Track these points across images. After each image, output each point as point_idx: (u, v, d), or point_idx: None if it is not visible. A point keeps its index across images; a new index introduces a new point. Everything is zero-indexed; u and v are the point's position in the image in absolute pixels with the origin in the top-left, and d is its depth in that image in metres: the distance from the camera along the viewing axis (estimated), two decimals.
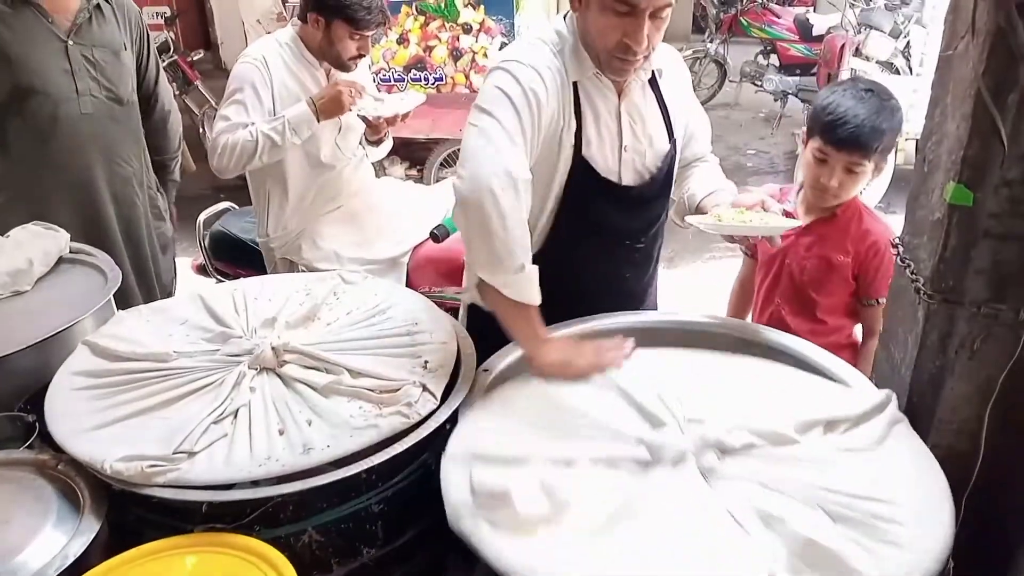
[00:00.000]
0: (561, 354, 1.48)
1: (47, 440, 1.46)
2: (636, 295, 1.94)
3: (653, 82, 1.78)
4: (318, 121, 2.46)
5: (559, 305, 1.59)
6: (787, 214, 1.98)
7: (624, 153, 1.75)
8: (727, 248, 5.02)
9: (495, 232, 1.44)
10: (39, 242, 2.05)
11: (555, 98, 1.64)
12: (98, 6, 2.50)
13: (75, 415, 1.41)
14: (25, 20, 2.39)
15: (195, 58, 6.15)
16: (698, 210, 1.83)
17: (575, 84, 1.68)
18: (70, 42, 2.43)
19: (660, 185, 1.82)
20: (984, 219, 1.24)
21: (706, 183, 1.87)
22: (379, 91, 2.83)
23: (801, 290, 2.05)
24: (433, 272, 2.79)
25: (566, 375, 1.46)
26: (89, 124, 2.50)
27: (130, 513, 1.32)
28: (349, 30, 2.50)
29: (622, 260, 1.86)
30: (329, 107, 2.46)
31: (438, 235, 2.56)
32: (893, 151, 2.15)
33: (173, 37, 6.14)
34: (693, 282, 4.62)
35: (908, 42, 5.75)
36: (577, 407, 1.42)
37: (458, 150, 5.15)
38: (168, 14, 6.50)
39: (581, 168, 1.71)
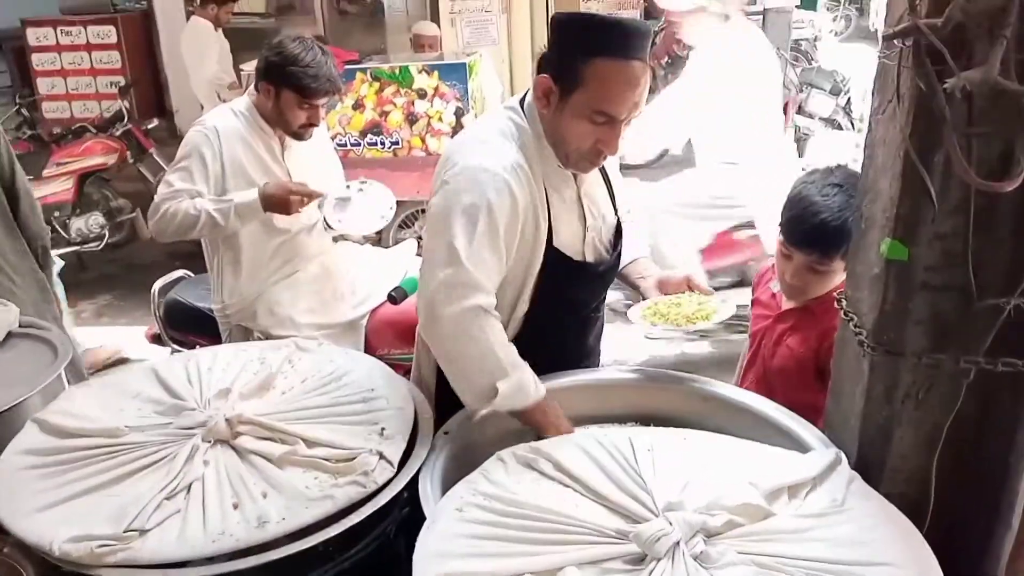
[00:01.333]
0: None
1: None
2: (591, 351, 2.02)
3: None
4: (264, 212, 2.47)
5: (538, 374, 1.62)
6: (773, 296, 2.03)
7: (587, 234, 1.81)
8: None
9: (475, 370, 1.54)
10: None
11: (526, 199, 1.65)
12: None
13: (22, 495, 1.38)
14: None
15: (149, 127, 6.13)
16: (621, 276, 1.96)
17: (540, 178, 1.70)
18: None
19: (615, 255, 1.89)
20: (920, 272, 1.28)
21: (627, 247, 1.95)
22: (346, 179, 2.84)
23: (768, 377, 1.97)
24: (392, 335, 2.78)
25: None
26: None
27: None
28: (298, 99, 2.52)
29: (587, 328, 1.95)
30: (276, 206, 2.47)
31: (396, 297, 2.56)
32: None
33: (127, 106, 6.13)
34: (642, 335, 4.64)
35: (849, 99, 5.98)
36: (544, 507, 1.31)
37: (416, 211, 5.17)
38: (122, 83, 6.51)
39: (554, 257, 1.74)
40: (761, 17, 8.64)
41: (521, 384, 1.54)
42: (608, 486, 1.35)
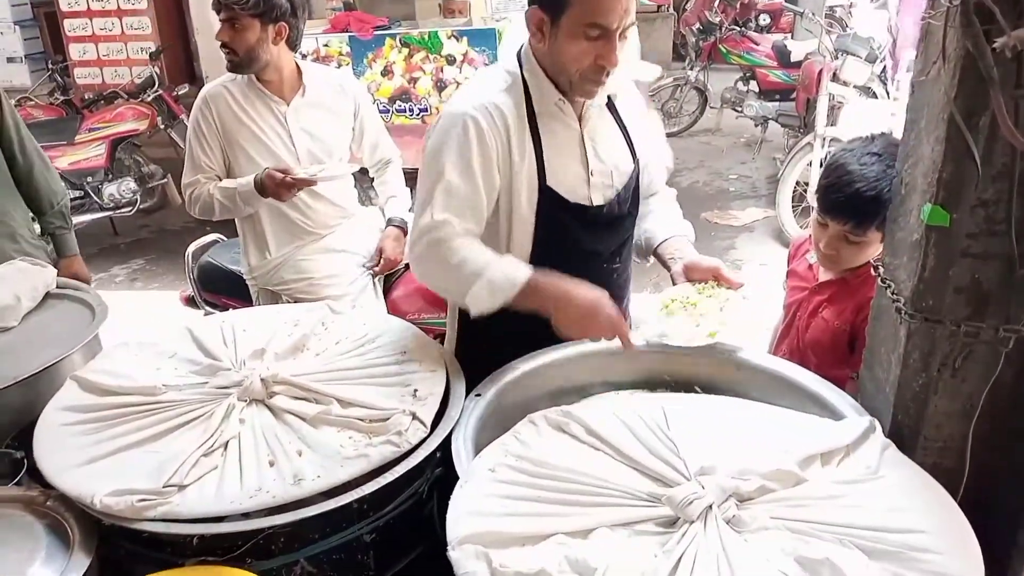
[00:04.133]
0: (579, 319, 1.58)
1: (35, 476, 1.45)
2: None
3: (611, 106, 1.82)
4: (265, 196, 2.47)
5: (544, 327, 1.61)
6: (810, 267, 2.00)
7: (592, 177, 1.79)
8: None
9: (455, 290, 1.66)
10: (26, 278, 2.04)
11: (496, 134, 1.69)
12: None
13: (64, 451, 1.41)
14: None
15: (180, 92, 6.17)
16: (656, 254, 1.90)
17: (533, 117, 1.73)
18: None
19: (629, 204, 1.85)
20: (961, 239, 1.26)
21: (664, 224, 1.90)
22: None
23: (802, 349, 1.94)
24: (420, 299, 2.79)
25: (585, 335, 1.60)
26: None
27: (120, 548, 1.31)
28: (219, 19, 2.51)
29: (599, 281, 1.83)
30: (271, 194, 2.47)
31: None
32: None
33: (158, 72, 6.17)
34: None
35: (884, 67, 5.85)
36: (576, 469, 1.32)
37: None
38: (153, 49, 6.53)
39: (548, 197, 1.75)
40: None
41: (492, 284, 1.60)
42: (640, 450, 1.35)
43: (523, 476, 1.31)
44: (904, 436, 1.41)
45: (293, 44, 2.59)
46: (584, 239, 1.82)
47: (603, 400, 1.58)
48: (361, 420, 1.42)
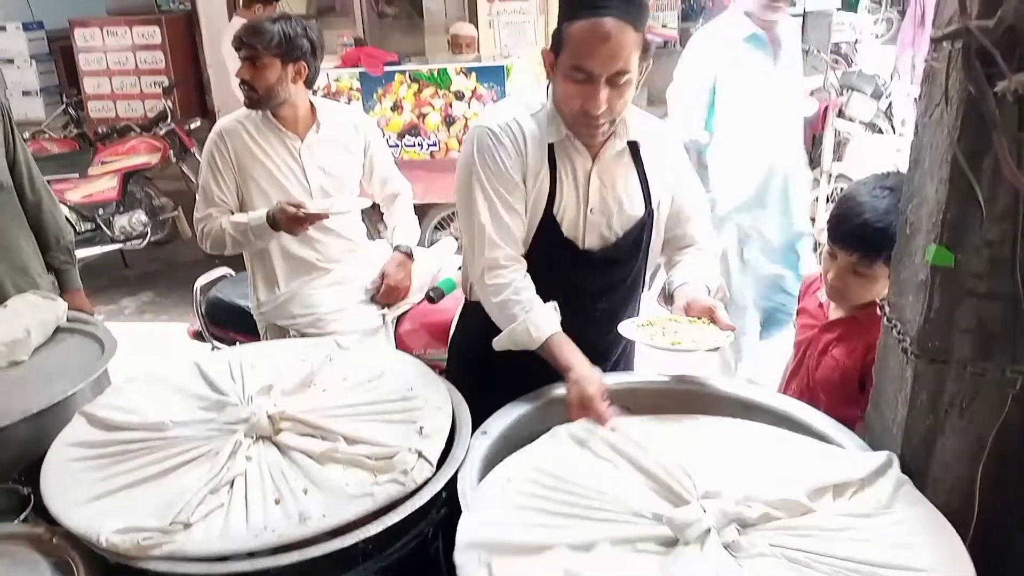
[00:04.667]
0: (569, 399, 1.61)
1: (42, 513, 1.45)
2: (599, 351, 1.87)
3: (635, 150, 1.84)
4: (277, 231, 2.50)
5: (524, 353, 1.72)
6: (820, 305, 2.00)
7: (590, 215, 1.82)
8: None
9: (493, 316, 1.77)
10: (37, 312, 2.06)
11: (518, 158, 1.77)
12: None
13: (71, 487, 1.41)
14: None
15: (192, 126, 6.25)
16: (671, 298, 1.88)
17: (551, 145, 1.78)
18: None
19: (626, 249, 1.87)
20: (967, 279, 1.27)
21: (687, 273, 1.89)
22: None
23: (812, 387, 1.92)
24: (427, 334, 2.79)
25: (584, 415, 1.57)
26: None
27: None
28: (239, 56, 2.56)
29: (581, 316, 1.86)
30: (283, 228, 2.49)
31: (434, 297, 2.58)
32: None
33: (171, 106, 6.25)
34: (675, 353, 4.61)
35: (890, 103, 5.89)
36: (588, 484, 1.35)
37: (452, 213, 5.21)
38: (166, 84, 6.62)
39: (548, 224, 1.81)
40: (801, 19, 8.58)
41: (513, 336, 1.72)
42: (655, 469, 1.38)
43: (537, 487, 1.35)
44: (912, 476, 1.39)
45: (310, 82, 2.63)
46: (572, 275, 1.85)
47: (626, 421, 1.58)
48: (367, 458, 1.42)
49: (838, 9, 8.25)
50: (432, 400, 1.59)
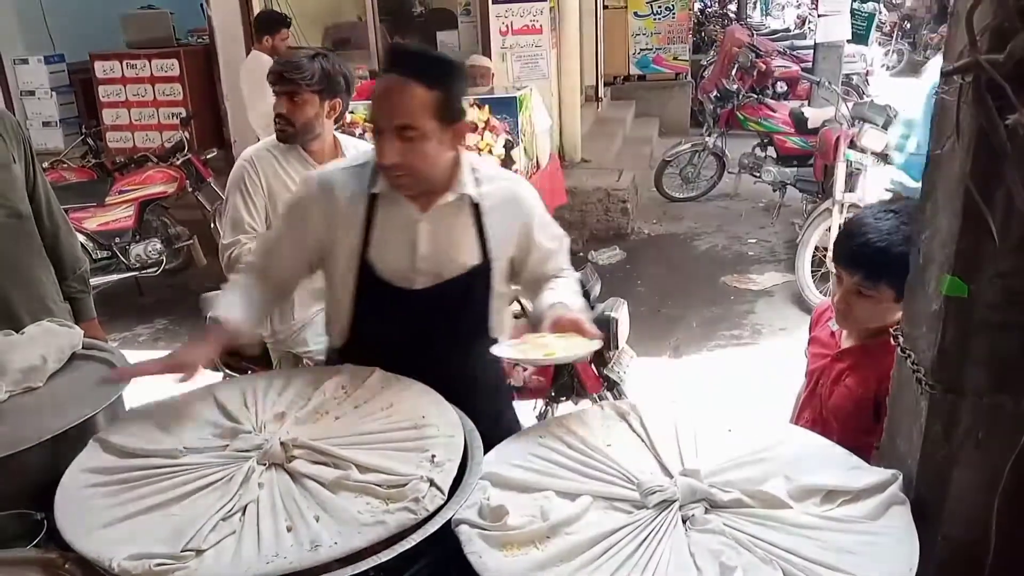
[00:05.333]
0: None
1: (54, 538, 1.46)
2: (453, 393, 1.76)
3: (477, 207, 1.92)
4: None
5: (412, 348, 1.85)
6: (832, 334, 2.01)
7: (420, 262, 1.92)
8: (732, 337, 5.08)
9: None
10: (53, 339, 2.07)
11: (322, 204, 1.92)
12: None
13: (84, 513, 1.42)
14: None
15: (208, 156, 6.32)
16: (540, 321, 1.93)
17: (373, 196, 1.89)
18: None
19: (459, 293, 1.95)
20: (981, 310, 1.26)
21: (550, 298, 1.97)
22: None
23: (825, 416, 1.93)
24: None
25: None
26: None
27: None
28: (274, 89, 2.60)
29: (423, 358, 1.88)
30: None
31: None
32: None
33: (188, 136, 6.33)
34: (698, 372, 4.63)
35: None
36: (598, 447, 1.55)
37: None
38: (184, 115, 6.72)
39: (367, 272, 1.92)
40: (812, 51, 8.66)
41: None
42: (659, 445, 1.54)
43: (560, 445, 1.57)
44: (927, 508, 1.38)
45: (339, 117, 2.68)
46: (403, 316, 1.94)
47: (674, 406, 1.73)
48: (379, 486, 1.41)
49: (848, 41, 8.30)
50: (444, 428, 1.59)
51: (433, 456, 1.49)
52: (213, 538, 1.32)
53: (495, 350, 1.80)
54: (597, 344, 1.76)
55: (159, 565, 1.25)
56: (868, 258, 1.75)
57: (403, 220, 1.90)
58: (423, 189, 1.87)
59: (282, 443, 1.52)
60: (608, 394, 2.73)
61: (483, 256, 1.95)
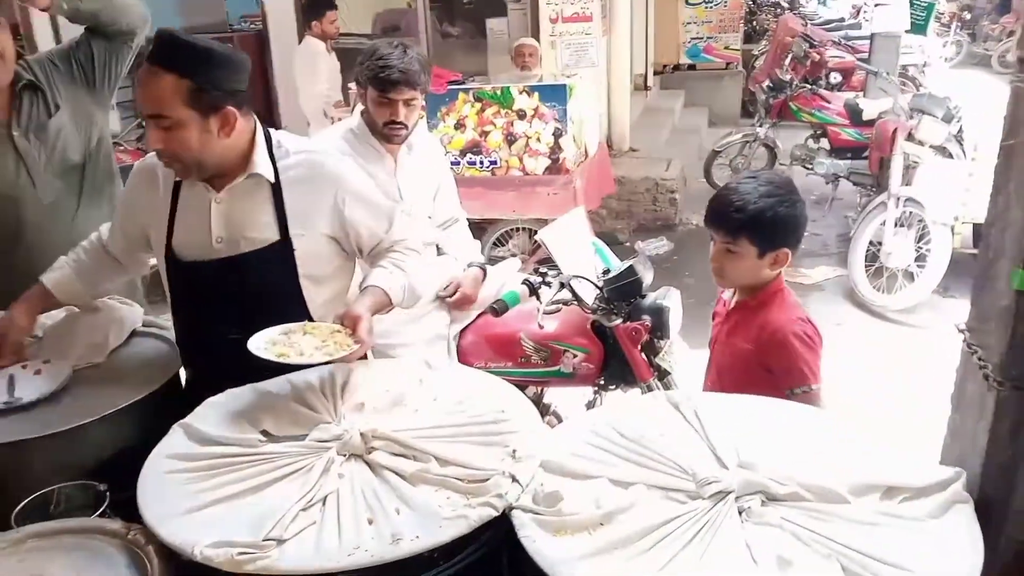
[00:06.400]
0: None
1: (117, 508, 1.50)
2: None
3: (275, 185, 1.94)
4: None
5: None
6: (724, 304, 2.18)
7: (216, 244, 1.94)
8: None
9: None
10: (115, 316, 2.13)
11: (143, 191, 2.00)
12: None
13: (166, 498, 1.44)
14: None
15: None
16: None
17: (177, 183, 1.94)
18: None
19: (256, 264, 1.93)
20: None
21: (369, 278, 1.99)
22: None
23: (721, 377, 2.09)
24: (488, 348, 2.81)
25: None
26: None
27: None
28: (376, 94, 2.56)
29: (236, 344, 1.76)
30: None
31: (498, 309, 2.60)
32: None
33: None
34: None
35: (961, 127, 5.75)
36: (651, 437, 1.54)
37: (511, 230, 5.26)
38: None
39: (170, 254, 1.98)
40: (869, 41, 8.46)
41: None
42: (713, 436, 1.52)
43: (612, 432, 1.56)
44: (992, 508, 1.35)
45: None
46: (206, 295, 1.98)
47: (728, 397, 1.72)
48: (460, 480, 1.42)
49: (906, 31, 8.09)
50: (524, 423, 1.59)
51: (514, 451, 1.49)
52: (294, 528, 1.33)
53: (251, 340, 1.74)
54: (351, 350, 1.73)
55: (241, 554, 1.26)
56: (727, 217, 1.93)
57: (198, 203, 1.93)
58: (210, 173, 1.89)
59: (361, 434, 1.52)
60: (658, 383, 2.70)
61: (281, 232, 1.94)
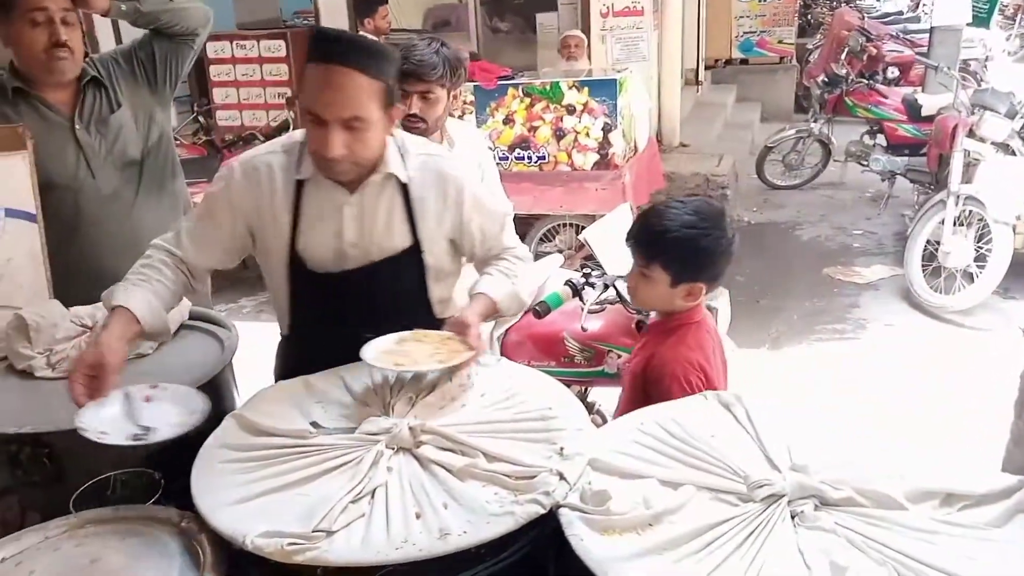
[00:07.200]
0: None
1: (171, 496, 1.52)
2: None
3: (405, 187, 1.87)
4: None
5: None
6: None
7: (349, 249, 1.88)
8: (834, 331, 4.91)
9: None
10: None
11: (252, 192, 1.86)
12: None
13: (219, 488, 1.46)
14: None
15: None
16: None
17: (299, 182, 1.85)
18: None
19: (387, 275, 1.91)
20: None
21: (479, 284, 1.94)
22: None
23: (624, 390, 2.05)
24: (531, 346, 2.81)
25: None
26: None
27: (249, 572, 1.34)
28: (402, 87, 2.52)
29: (351, 347, 1.77)
30: None
31: (540, 311, 2.58)
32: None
33: (293, 116, 6.50)
34: (798, 364, 4.50)
35: None
36: (702, 438, 1.53)
37: (558, 225, 5.23)
38: (289, 94, 6.90)
39: (294, 260, 1.89)
40: (928, 35, 8.24)
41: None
42: (765, 439, 1.51)
43: (662, 431, 1.56)
44: None
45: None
46: (335, 304, 1.91)
47: (780, 399, 1.72)
48: (507, 476, 1.41)
49: (968, 24, 7.86)
50: (572, 421, 1.58)
51: (562, 449, 1.48)
52: (343, 520, 1.34)
53: (364, 350, 1.72)
54: (465, 357, 1.69)
55: (291, 544, 1.27)
56: (645, 239, 1.89)
57: (330, 206, 1.86)
58: (366, 171, 1.85)
59: (410, 428, 1.53)
60: None
61: (413, 238, 1.91)
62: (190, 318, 2.22)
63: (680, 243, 1.83)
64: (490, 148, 5.26)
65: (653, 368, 1.89)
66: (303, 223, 1.87)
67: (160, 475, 1.58)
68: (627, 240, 1.94)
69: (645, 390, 1.90)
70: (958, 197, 4.99)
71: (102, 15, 2.47)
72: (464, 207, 1.95)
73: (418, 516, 1.34)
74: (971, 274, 5.03)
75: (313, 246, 1.88)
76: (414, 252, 1.92)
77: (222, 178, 1.90)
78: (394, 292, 1.92)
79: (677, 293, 1.88)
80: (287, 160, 1.87)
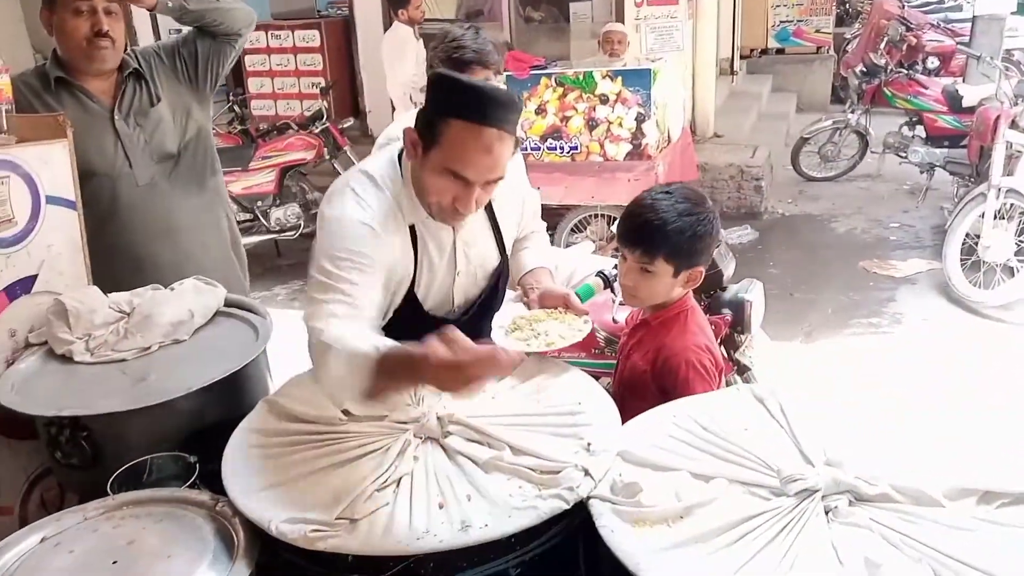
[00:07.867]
0: (438, 380, 1.38)
1: (206, 479, 1.55)
2: None
3: (489, 206, 1.88)
4: None
5: None
6: (633, 315, 2.09)
7: (458, 278, 1.87)
8: (869, 325, 4.84)
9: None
10: (200, 296, 2.19)
11: (392, 246, 1.72)
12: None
13: (248, 473, 1.48)
14: None
15: (345, 125, 6.51)
16: (520, 284, 2.01)
17: (412, 227, 1.77)
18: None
19: (484, 299, 1.93)
20: None
21: (530, 258, 2.03)
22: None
23: (621, 390, 2.01)
24: None
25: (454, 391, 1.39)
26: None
27: (280, 557, 1.36)
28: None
29: None
30: None
31: None
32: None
33: (326, 106, 6.54)
34: (831, 357, 4.44)
35: None
36: (734, 430, 1.52)
37: (589, 216, 5.16)
38: (323, 85, 6.94)
39: (410, 301, 1.83)
40: (971, 24, 8.07)
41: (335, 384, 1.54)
42: (799, 433, 1.49)
43: (694, 425, 1.55)
44: None
45: None
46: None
47: (815, 393, 1.70)
48: (532, 470, 1.41)
49: (1012, 13, 7.68)
50: (600, 417, 1.58)
51: (589, 444, 1.48)
52: (367, 508, 1.35)
53: (495, 338, 1.72)
54: (588, 324, 1.73)
55: (315, 531, 1.29)
56: (646, 234, 1.84)
57: (442, 244, 1.83)
58: None
59: (439, 417, 1.54)
60: (737, 378, 2.64)
61: (500, 254, 1.95)
62: (226, 305, 2.23)
63: (681, 232, 1.82)
64: (521, 137, 5.26)
65: (665, 360, 1.88)
66: (422, 267, 1.82)
67: (195, 459, 1.60)
68: (621, 240, 1.91)
69: (658, 383, 1.89)
70: (999, 190, 4.89)
71: (148, 10, 2.49)
72: (526, 208, 2.01)
73: (441, 506, 1.35)
74: (1011, 268, 4.94)
75: (429, 287, 1.85)
76: (502, 265, 1.96)
77: (353, 237, 1.67)
78: (487, 312, 1.92)
79: (678, 282, 1.89)
80: (386, 210, 1.73)
